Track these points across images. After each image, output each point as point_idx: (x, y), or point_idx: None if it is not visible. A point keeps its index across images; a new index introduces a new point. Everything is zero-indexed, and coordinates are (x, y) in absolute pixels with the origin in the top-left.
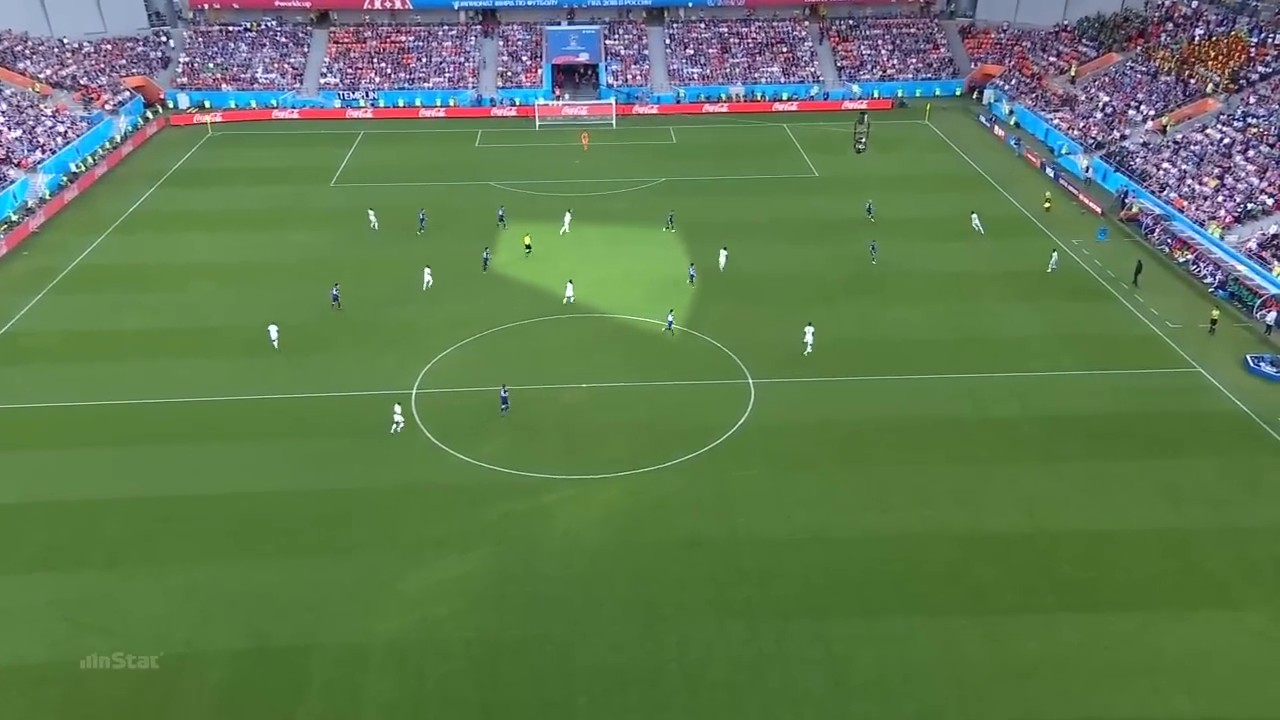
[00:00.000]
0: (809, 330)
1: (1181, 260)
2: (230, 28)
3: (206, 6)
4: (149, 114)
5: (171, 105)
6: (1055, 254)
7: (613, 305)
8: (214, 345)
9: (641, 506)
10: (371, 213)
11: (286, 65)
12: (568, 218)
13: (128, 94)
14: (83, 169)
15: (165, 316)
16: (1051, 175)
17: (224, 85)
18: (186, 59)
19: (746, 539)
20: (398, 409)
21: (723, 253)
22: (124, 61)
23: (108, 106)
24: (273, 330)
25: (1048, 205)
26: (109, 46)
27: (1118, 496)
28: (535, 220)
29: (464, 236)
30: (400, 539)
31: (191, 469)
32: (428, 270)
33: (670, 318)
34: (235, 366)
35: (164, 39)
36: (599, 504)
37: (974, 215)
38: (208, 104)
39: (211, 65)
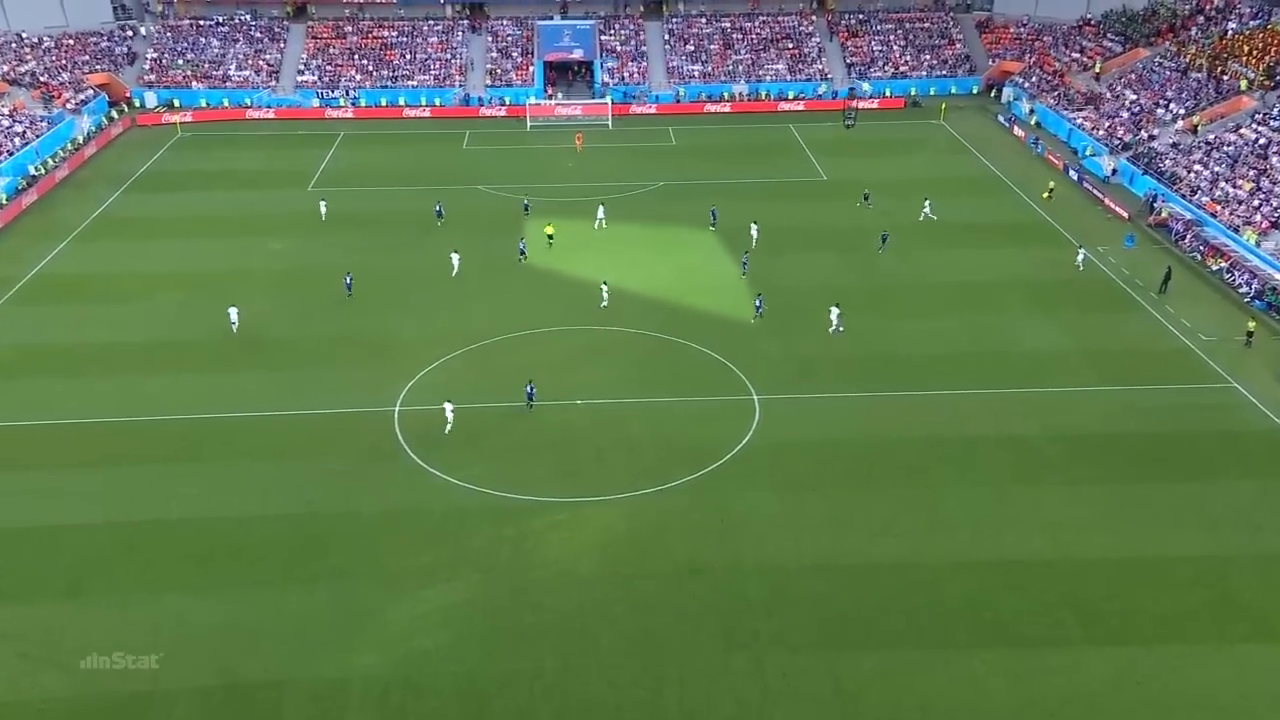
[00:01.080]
0: (834, 311)
1: (1215, 268)
2: (201, 22)
3: (176, 0)
4: (114, 113)
5: (138, 104)
6: (1082, 251)
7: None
8: (183, 360)
9: (640, 531)
10: (322, 203)
11: (261, 62)
12: (601, 211)
13: (91, 92)
14: (42, 172)
15: (130, 329)
16: (1075, 178)
17: (194, 83)
18: (154, 55)
19: (752, 566)
20: (449, 407)
21: (753, 230)
22: (87, 57)
23: (69, 105)
24: (233, 313)
25: (1047, 195)
26: (71, 41)
27: (1148, 521)
28: (534, 223)
29: (448, 243)
30: (381, 567)
31: (158, 492)
32: (455, 255)
33: (760, 301)
34: (206, 382)
35: (130, 33)
36: (594, 528)
37: (926, 202)
38: (177, 103)
39: (181, 61)
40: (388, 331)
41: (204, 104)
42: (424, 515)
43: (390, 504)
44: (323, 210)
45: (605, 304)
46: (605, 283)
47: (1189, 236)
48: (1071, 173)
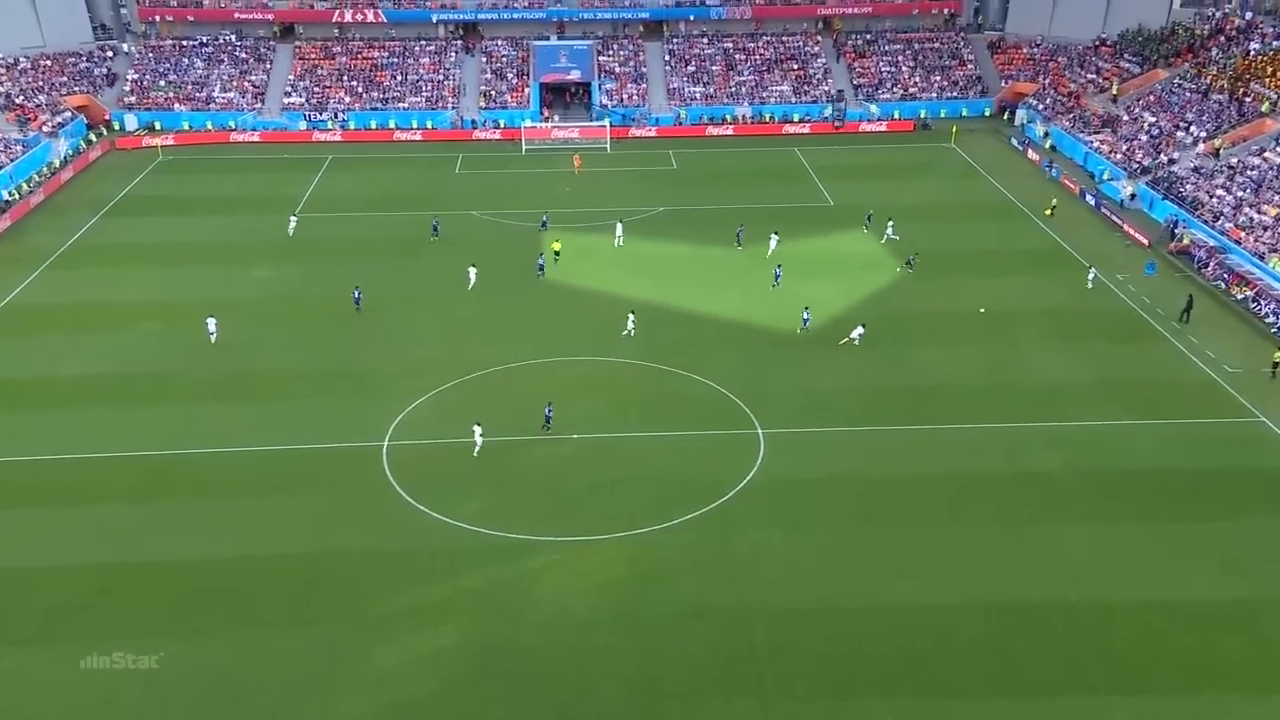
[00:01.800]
0: (859, 330)
1: (1240, 297)
2: (184, 42)
3: (158, 19)
4: (92, 136)
5: (117, 127)
6: (1093, 271)
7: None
8: (161, 393)
9: (639, 572)
10: (293, 217)
11: (246, 83)
12: (619, 229)
13: (68, 114)
14: (16, 197)
15: (106, 361)
16: (1092, 203)
17: (177, 105)
18: (135, 76)
19: (757, 608)
20: (477, 429)
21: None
22: (65, 79)
23: (46, 128)
24: (210, 323)
25: (1050, 211)
26: (48, 62)
27: (1174, 562)
28: (520, 252)
29: (443, 262)
30: (368, 609)
31: (135, 532)
32: (473, 269)
33: (806, 314)
34: (185, 416)
35: (110, 54)
36: (592, 569)
37: (889, 223)
38: (158, 125)
39: (163, 83)
40: (377, 362)
41: (186, 127)
42: (413, 555)
43: (377, 543)
44: (291, 226)
45: (631, 333)
46: (633, 312)
47: (1212, 264)
48: (1088, 198)
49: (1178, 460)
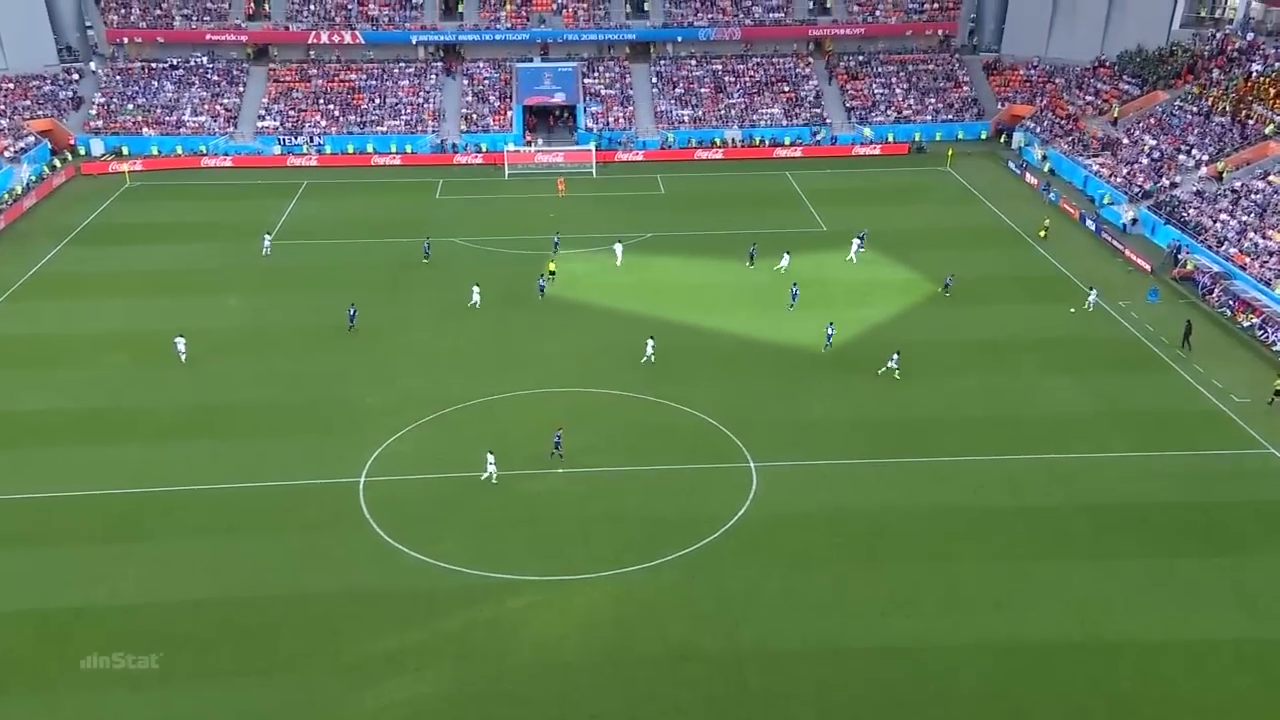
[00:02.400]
0: (895, 358)
1: (1246, 325)
2: (154, 64)
3: (126, 40)
4: (56, 162)
5: (83, 152)
6: (1094, 291)
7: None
8: (127, 429)
9: (627, 613)
10: (267, 237)
11: (219, 106)
12: (619, 249)
13: (32, 139)
14: None
15: (70, 396)
16: (1093, 228)
17: (145, 129)
18: (102, 99)
19: (751, 651)
20: (490, 458)
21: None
22: (28, 102)
23: (7, 153)
24: (180, 343)
25: (1044, 232)
26: (10, 85)
27: (1182, 600)
28: (503, 280)
29: (431, 286)
30: (342, 655)
31: (95, 575)
32: (476, 288)
33: (831, 329)
34: (151, 453)
35: (76, 77)
36: (577, 610)
37: (856, 240)
38: (126, 150)
39: (131, 106)
40: (355, 394)
41: (155, 151)
42: (390, 596)
43: (353, 584)
44: (266, 246)
45: (651, 359)
46: (652, 338)
47: (1217, 290)
48: (1088, 222)
49: (1184, 494)
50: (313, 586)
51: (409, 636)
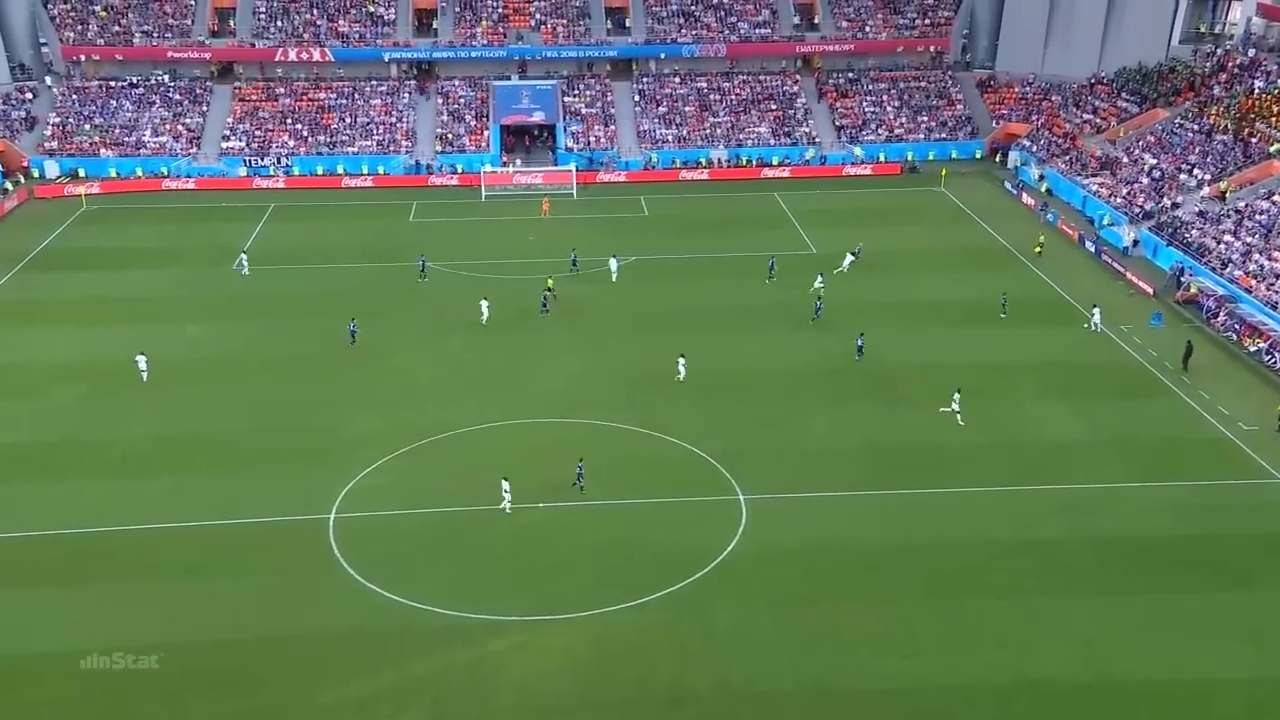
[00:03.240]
0: (955, 398)
1: (1253, 349)
2: (112, 83)
3: (83, 58)
4: (8, 184)
5: (37, 174)
6: (1097, 309)
7: (577, 406)
8: (83, 463)
9: (611, 654)
10: (244, 256)
11: (180, 126)
12: (614, 264)
13: None
14: None
15: (22, 429)
16: (1092, 250)
17: (103, 150)
18: (57, 119)
19: (741, 693)
20: (505, 485)
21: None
22: None
23: None
24: (141, 361)
25: (1039, 249)
26: None
27: (1191, 637)
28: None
29: (404, 320)
30: (313, 700)
31: (51, 620)
32: (485, 302)
33: (861, 340)
34: (110, 489)
35: (30, 96)
36: (559, 651)
37: (850, 255)
38: (82, 172)
39: (89, 127)
40: (325, 425)
41: (114, 173)
42: (363, 638)
43: (324, 626)
44: (244, 266)
45: (682, 377)
46: (683, 356)
47: (1222, 314)
48: (1088, 244)
49: (1191, 526)
50: (280, 629)
51: (383, 680)
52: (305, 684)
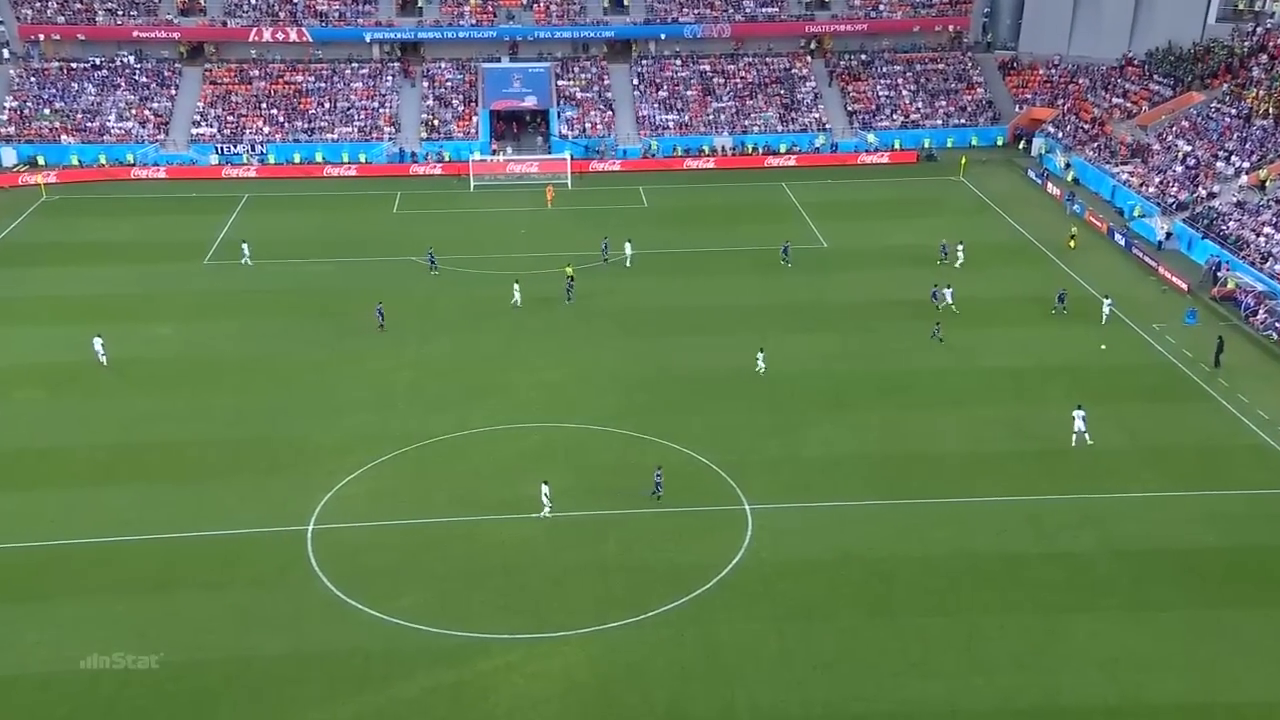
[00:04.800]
0: (1079, 415)
1: None
2: (74, 65)
3: (42, 38)
4: None
5: None
6: (1109, 300)
7: (569, 411)
8: (41, 473)
9: (609, 674)
10: (245, 246)
11: (147, 111)
12: (629, 249)
13: None
14: None
15: None
16: (1122, 243)
17: (64, 136)
18: (14, 103)
19: (746, 716)
20: (546, 489)
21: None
22: None
23: None
24: (97, 343)
25: (1072, 242)
26: None
27: (1230, 656)
28: (482, 301)
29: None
30: None
31: (6, 640)
32: (516, 285)
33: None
34: (69, 499)
35: None
36: (554, 672)
37: (959, 246)
38: (41, 160)
39: (48, 111)
40: (303, 431)
41: (75, 161)
42: (343, 658)
43: (300, 645)
44: (245, 255)
45: (762, 369)
46: (762, 350)
47: (1262, 311)
48: (1118, 237)
49: (1229, 537)
50: (255, 649)
51: (365, 704)
52: (280, 707)
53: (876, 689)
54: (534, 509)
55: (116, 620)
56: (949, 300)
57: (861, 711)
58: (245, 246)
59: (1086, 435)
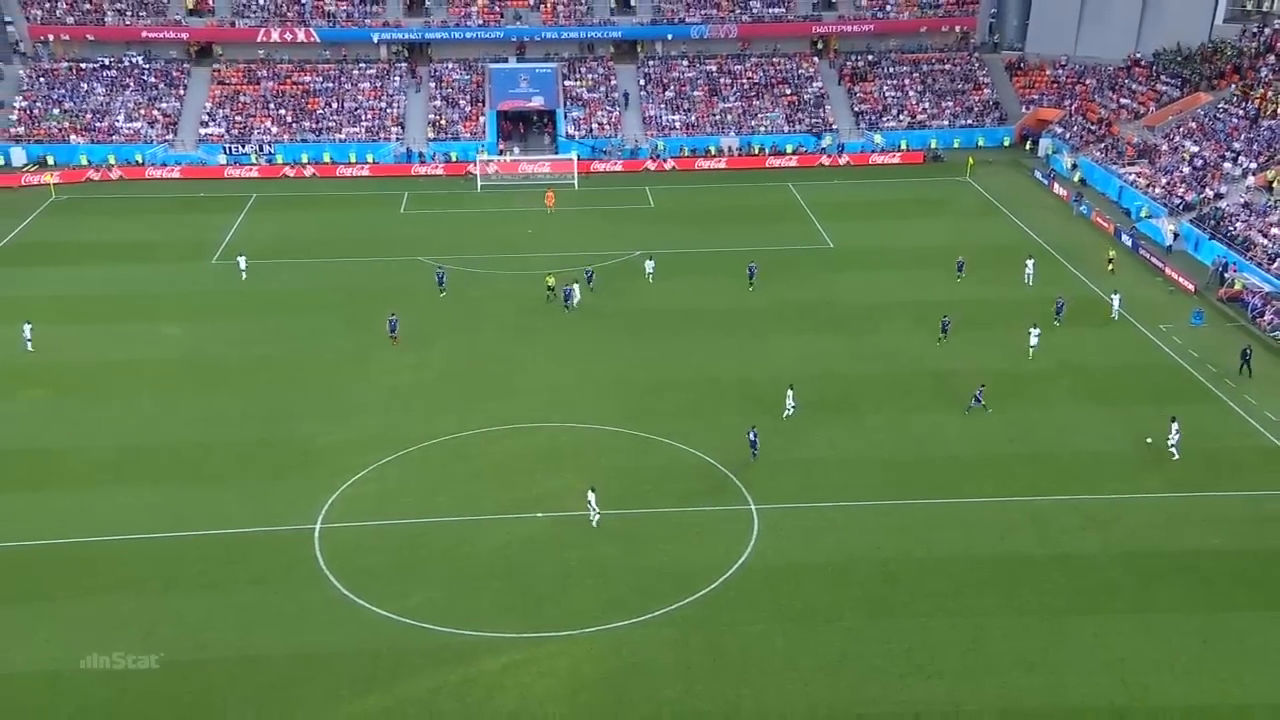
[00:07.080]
0: (1174, 426)
1: None
2: (83, 65)
3: (52, 38)
4: None
5: (2, 162)
6: (1118, 295)
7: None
8: (47, 472)
9: (614, 674)
10: (241, 259)
11: (156, 112)
12: (649, 265)
13: None
14: None
15: None
16: (1129, 244)
17: (73, 136)
18: (24, 103)
19: (751, 717)
20: (592, 496)
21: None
22: None
23: None
24: (26, 329)
25: (1111, 267)
26: None
27: (1236, 659)
28: (489, 301)
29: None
30: None
31: (10, 639)
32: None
33: (947, 320)
34: (75, 499)
35: None
36: (559, 671)
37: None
38: (51, 160)
39: (57, 111)
40: (309, 432)
41: (85, 161)
42: (349, 658)
43: (306, 644)
44: (242, 266)
45: (791, 412)
46: (792, 387)
47: (1269, 312)
48: (1125, 238)
49: (1237, 540)
50: (262, 648)
51: (371, 703)
52: (286, 706)
53: (881, 690)
54: (540, 509)
55: (123, 619)
56: (1033, 344)
57: (867, 712)
58: (241, 260)
59: (1173, 449)
